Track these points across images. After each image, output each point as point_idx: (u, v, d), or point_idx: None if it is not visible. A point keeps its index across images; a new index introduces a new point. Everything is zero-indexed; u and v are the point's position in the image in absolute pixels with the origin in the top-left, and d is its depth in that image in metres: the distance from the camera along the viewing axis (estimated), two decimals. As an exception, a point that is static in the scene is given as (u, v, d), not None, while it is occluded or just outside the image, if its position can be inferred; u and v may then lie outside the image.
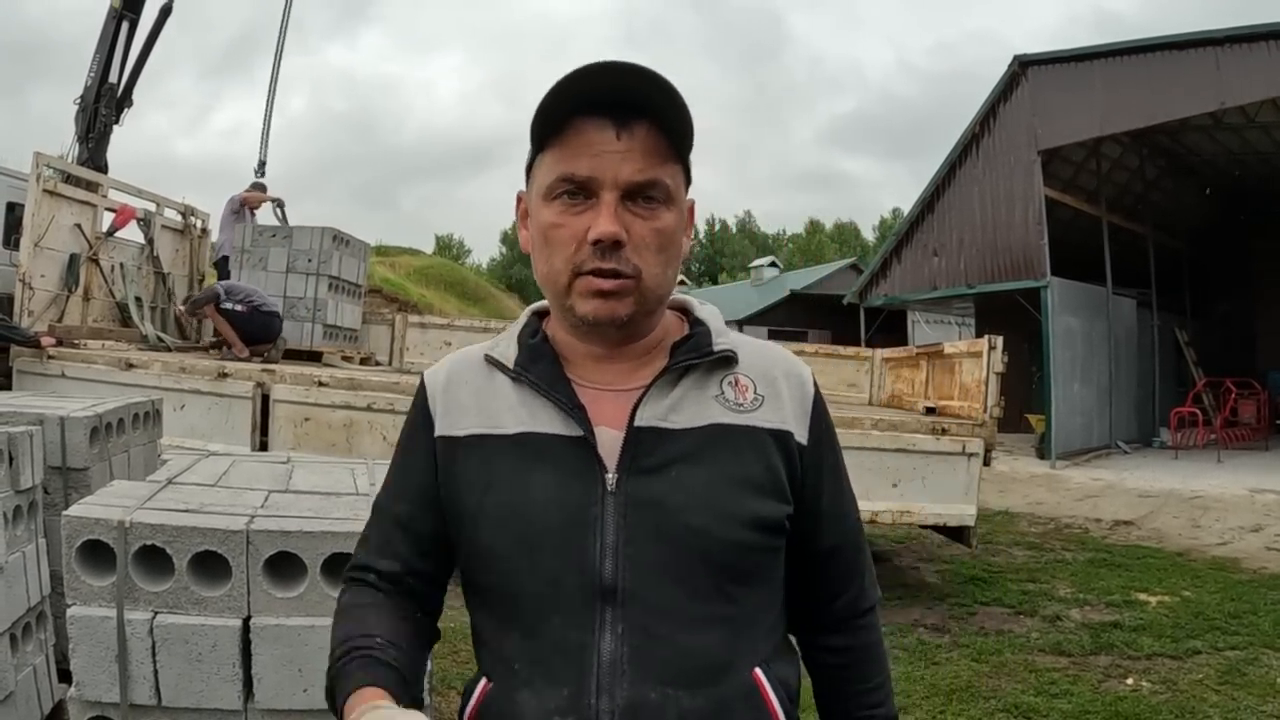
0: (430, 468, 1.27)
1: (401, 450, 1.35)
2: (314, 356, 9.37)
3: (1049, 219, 16.71)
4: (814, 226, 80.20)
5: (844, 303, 22.99)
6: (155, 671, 2.28)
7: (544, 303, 1.33)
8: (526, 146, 1.23)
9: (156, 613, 2.29)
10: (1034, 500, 12.25)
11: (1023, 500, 12.23)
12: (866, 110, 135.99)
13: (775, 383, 1.27)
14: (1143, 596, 7.03)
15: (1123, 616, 6.41)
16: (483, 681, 1.23)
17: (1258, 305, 22.90)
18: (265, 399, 6.70)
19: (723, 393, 1.24)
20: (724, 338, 1.28)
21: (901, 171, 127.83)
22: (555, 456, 1.19)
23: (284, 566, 2.35)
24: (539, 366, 1.24)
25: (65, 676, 2.67)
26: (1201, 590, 7.24)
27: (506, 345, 1.29)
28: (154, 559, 2.31)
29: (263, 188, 11.36)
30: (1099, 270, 17.66)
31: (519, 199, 1.29)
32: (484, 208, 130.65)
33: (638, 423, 1.19)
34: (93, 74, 9.76)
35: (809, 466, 1.27)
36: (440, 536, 1.27)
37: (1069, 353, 16.66)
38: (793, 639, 1.37)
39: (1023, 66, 17.17)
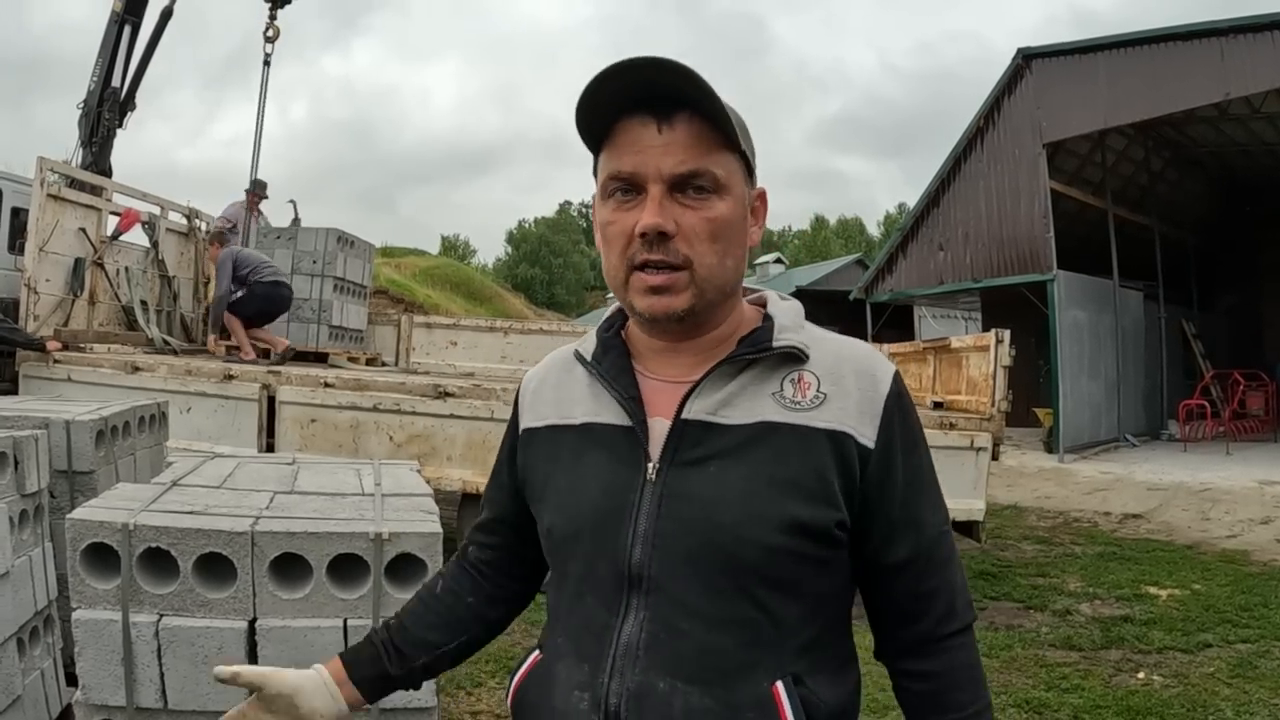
0: (511, 459, 1.40)
1: (502, 442, 1.47)
2: (320, 358, 9.38)
3: (1054, 212, 16.63)
4: (819, 223, 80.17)
5: (850, 299, 22.91)
6: (161, 674, 2.27)
7: None
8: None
9: (162, 615, 2.29)
10: (1042, 494, 12.22)
11: (1031, 494, 12.20)
12: (853, 110, 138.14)
13: (842, 380, 1.21)
14: (1153, 590, 7.00)
15: (1133, 610, 6.39)
16: (535, 653, 1.33)
17: (1265, 296, 22.78)
18: (271, 401, 6.71)
19: (782, 390, 1.21)
20: (792, 334, 1.24)
21: (893, 169, 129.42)
22: (610, 445, 1.24)
23: (289, 568, 2.35)
24: (609, 359, 1.29)
25: (73, 680, 2.67)
26: (1212, 583, 7.21)
27: (589, 340, 1.35)
28: (159, 561, 2.31)
29: (262, 185, 11.11)
30: (1105, 263, 17.58)
31: (594, 203, 1.31)
32: (484, 210, 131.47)
33: (684, 415, 1.20)
34: (95, 78, 9.77)
35: (875, 471, 1.20)
36: (518, 522, 1.40)
37: (1076, 346, 16.59)
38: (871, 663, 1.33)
39: (1026, 59, 17.08)
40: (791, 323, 1.26)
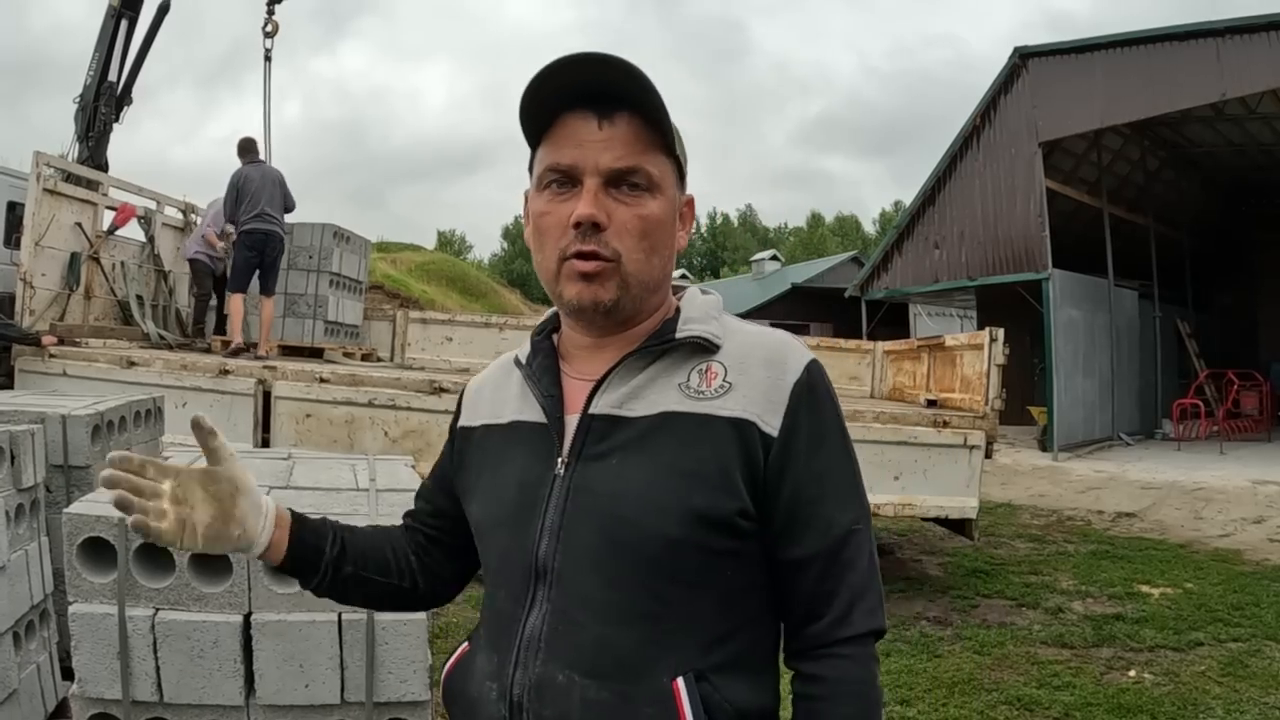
0: (449, 456, 1.44)
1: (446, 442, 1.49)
2: (315, 353, 9.38)
3: (1050, 211, 16.66)
4: (815, 220, 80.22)
5: (845, 296, 22.96)
6: (157, 668, 2.28)
7: None
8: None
9: (158, 609, 2.30)
10: (1036, 492, 12.24)
11: (1025, 492, 12.23)
12: (835, 111, 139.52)
13: (749, 369, 1.21)
14: (1145, 588, 7.02)
15: (1125, 608, 6.40)
16: (465, 644, 1.34)
17: (1260, 296, 22.86)
18: (267, 396, 6.71)
19: (688, 380, 1.21)
20: (699, 324, 1.24)
21: (879, 168, 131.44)
22: (529, 442, 1.27)
23: (285, 563, 2.36)
24: (537, 360, 1.32)
25: (69, 674, 2.68)
26: (1204, 582, 7.23)
27: (526, 343, 1.38)
28: (155, 556, 2.32)
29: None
30: (1101, 262, 17.62)
31: (526, 197, 1.32)
32: (475, 207, 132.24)
33: (591, 410, 1.22)
34: (92, 72, 9.74)
35: (776, 460, 1.17)
36: (453, 513, 1.41)
37: (1071, 345, 16.62)
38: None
39: (1023, 58, 17.11)
40: (700, 314, 1.26)
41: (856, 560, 1.20)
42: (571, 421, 1.23)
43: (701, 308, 1.28)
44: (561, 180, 1.20)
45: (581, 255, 1.18)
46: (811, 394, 1.21)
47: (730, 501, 1.15)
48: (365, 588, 1.41)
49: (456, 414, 1.45)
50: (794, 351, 1.24)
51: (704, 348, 1.23)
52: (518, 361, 1.36)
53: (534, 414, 1.28)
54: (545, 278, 1.25)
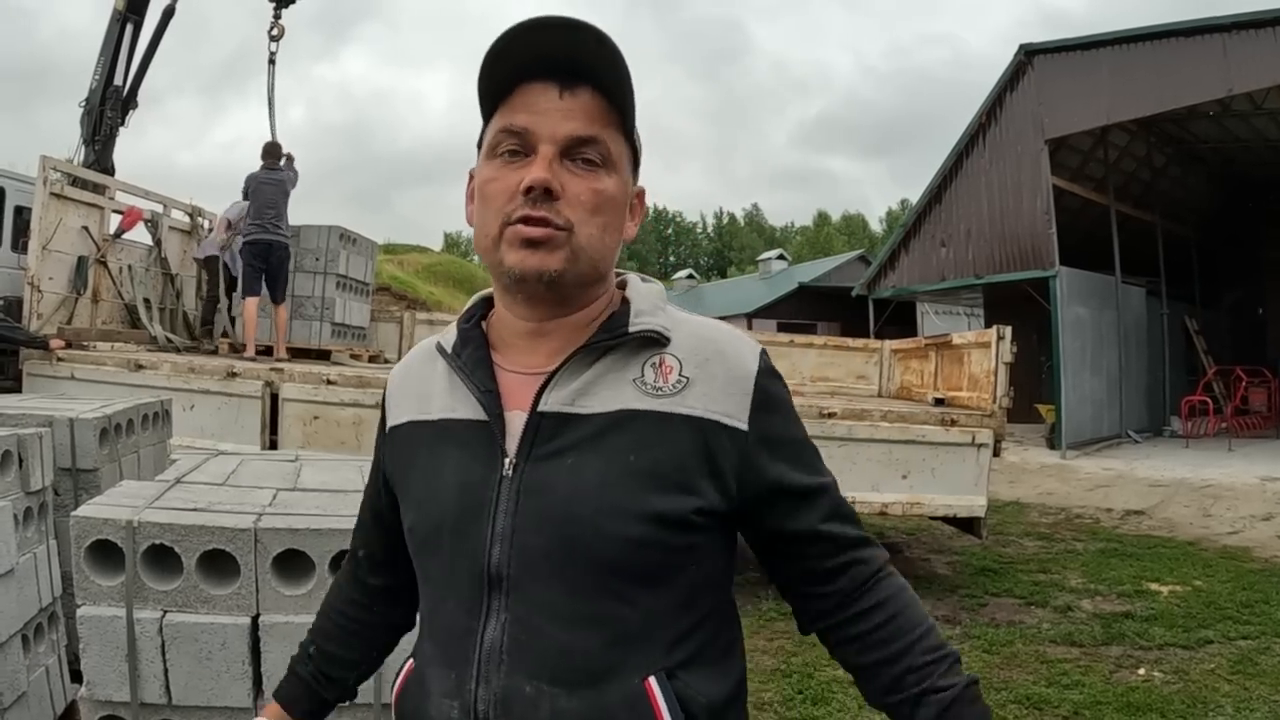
0: (382, 474, 1.35)
1: (376, 441, 1.41)
2: (323, 355, 9.40)
3: (1057, 208, 16.62)
4: (822, 219, 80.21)
5: (853, 295, 22.95)
6: (165, 670, 2.28)
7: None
8: None
9: (166, 611, 2.30)
10: (1044, 491, 12.22)
11: (1033, 491, 12.21)
12: (834, 111, 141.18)
13: (706, 364, 1.16)
14: (1154, 586, 7.01)
15: (1134, 607, 6.39)
16: (410, 660, 1.28)
17: (1268, 293, 22.77)
18: (274, 398, 6.72)
19: (643, 375, 1.16)
20: (649, 317, 1.19)
21: (879, 167, 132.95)
22: (467, 442, 1.19)
23: (292, 564, 2.36)
24: (467, 351, 1.24)
25: (77, 676, 2.68)
26: (1213, 580, 7.22)
27: (450, 331, 1.29)
28: (163, 558, 2.32)
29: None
30: (1108, 259, 17.57)
31: (470, 176, 1.25)
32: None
33: (541, 407, 1.15)
34: (97, 76, 9.78)
35: (756, 452, 1.15)
36: (395, 519, 1.32)
37: (1078, 342, 16.58)
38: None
39: (1029, 56, 17.07)
40: (649, 306, 1.21)
41: (848, 509, 1.24)
42: (514, 418, 1.17)
43: (649, 299, 1.23)
44: (514, 149, 1.14)
45: (529, 221, 1.12)
46: (768, 384, 1.20)
47: (689, 500, 1.12)
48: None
49: (383, 414, 1.36)
50: (745, 343, 1.22)
51: (654, 340, 1.18)
52: (441, 350, 1.27)
53: (469, 410, 1.20)
54: (484, 245, 1.18)
